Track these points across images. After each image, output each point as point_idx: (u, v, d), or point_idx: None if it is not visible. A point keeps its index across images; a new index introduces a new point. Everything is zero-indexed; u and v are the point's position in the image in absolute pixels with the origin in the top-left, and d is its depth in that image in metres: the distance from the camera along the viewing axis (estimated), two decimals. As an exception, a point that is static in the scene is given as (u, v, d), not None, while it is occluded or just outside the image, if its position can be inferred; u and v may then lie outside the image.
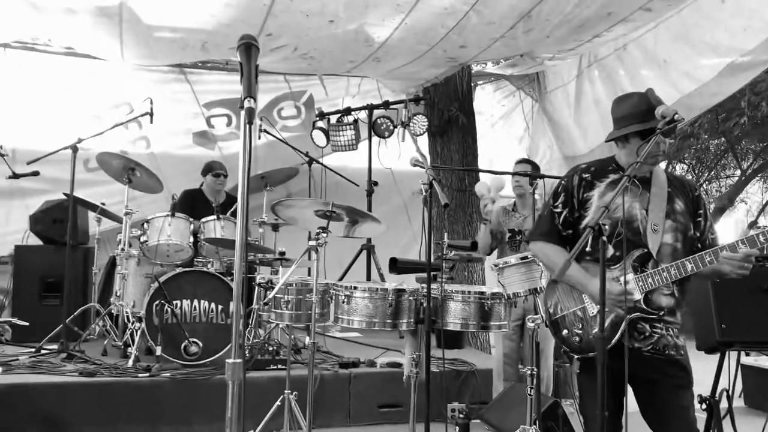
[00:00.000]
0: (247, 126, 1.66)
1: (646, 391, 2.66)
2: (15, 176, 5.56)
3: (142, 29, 5.53)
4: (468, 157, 6.72)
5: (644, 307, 2.54)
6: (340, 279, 5.53)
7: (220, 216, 5.20)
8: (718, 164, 13.82)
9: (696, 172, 14.06)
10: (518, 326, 4.47)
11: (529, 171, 4.36)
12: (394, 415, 4.75)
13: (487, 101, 8.35)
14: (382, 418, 4.75)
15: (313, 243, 2.99)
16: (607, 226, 2.20)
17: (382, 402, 4.79)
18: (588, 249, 2.25)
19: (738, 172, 13.77)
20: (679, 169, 13.84)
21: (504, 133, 8.37)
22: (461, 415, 4.12)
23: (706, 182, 14.52)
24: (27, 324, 4.10)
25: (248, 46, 1.74)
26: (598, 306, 2.50)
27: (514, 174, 4.44)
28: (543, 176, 4.10)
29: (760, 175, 13.98)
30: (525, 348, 4.52)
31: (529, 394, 3.35)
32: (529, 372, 3.36)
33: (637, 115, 2.59)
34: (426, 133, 6.61)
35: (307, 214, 3.18)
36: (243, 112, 1.66)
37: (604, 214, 2.19)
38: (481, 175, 6.97)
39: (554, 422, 3.80)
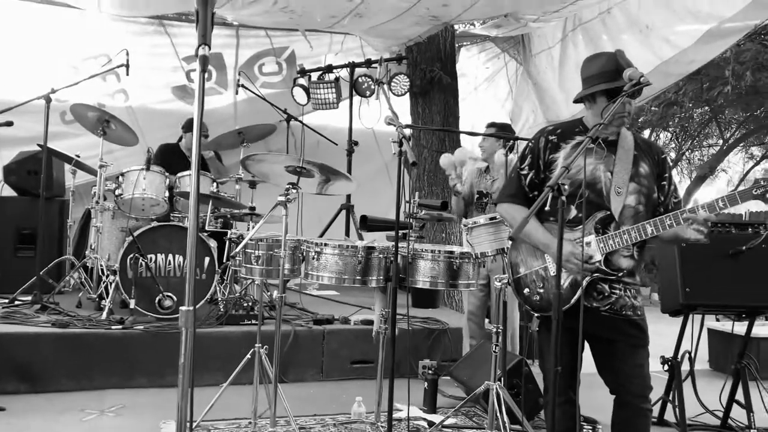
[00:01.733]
0: (201, 74, 1.64)
1: (603, 349, 2.73)
2: (-13, 126, 5.49)
3: (119, -22, 5.42)
4: (449, 119, 6.70)
5: (604, 268, 2.58)
6: (320, 237, 5.55)
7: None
8: (702, 133, 13.87)
9: (679, 140, 14.11)
10: (484, 285, 4.52)
11: (496, 133, 4.38)
12: (365, 371, 4.84)
13: (471, 63, 8.29)
14: (354, 374, 4.83)
15: (281, 198, 2.99)
16: (566, 186, 2.22)
17: (355, 358, 4.87)
18: (548, 209, 2.27)
19: (720, 142, 13.85)
20: (663, 137, 13.89)
21: (488, 96, 8.34)
22: (430, 371, 4.21)
23: (689, 150, 14.59)
24: (-2, 273, 4.10)
25: (206, -6, 1.71)
26: (564, 267, 2.55)
27: (482, 135, 4.45)
28: (514, 138, 4.10)
29: (741, 144, 14.07)
30: (492, 307, 4.59)
31: (494, 352, 3.41)
32: (494, 330, 3.42)
33: (605, 74, 2.60)
34: (408, 93, 6.56)
35: (278, 169, 3.17)
36: (197, 61, 1.63)
37: (563, 174, 2.20)
38: (462, 140, 6.99)
39: (519, 379, 3.88)
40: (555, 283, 2.16)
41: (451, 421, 3.95)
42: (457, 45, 7.80)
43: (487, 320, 4.89)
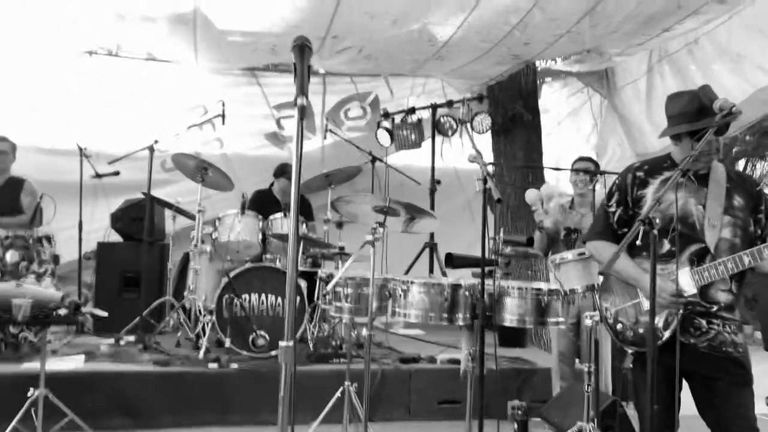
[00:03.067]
0: (300, 122, 1.76)
1: (702, 388, 2.62)
2: (98, 176, 5.95)
3: (215, 34, 5.79)
4: (533, 155, 6.68)
5: (699, 300, 2.50)
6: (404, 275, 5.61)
7: (287, 213, 5.39)
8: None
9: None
10: (574, 324, 4.42)
11: (592, 168, 4.32)
12: (453, 411, 4.79)
13: (554, 98, 8.24)
14: (441, 414, 4.80)
15: (369, 237, 3.08)
16: (657, 220, 2.19)
17: (442, 398, 4.85)
18: (640, 243, 2.25)
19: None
20: (759, 167, 13.20)
21: (571, 131, 8.25)
22: (520, 412, 4.13)
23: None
24: (107, 314, 4.36)
25: (302, 47, 1.84)
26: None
27: (573, 170, 4.41)
28: (603, 172, 4.05)
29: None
30: (582, 345, 4.48)
31: (586, 392, 3.33)
32: (586, 369, 3.34)
33: (686, 115, 2.58)
34: (489, 132, 6.61)
35: (366, 209, 3.28)
36: (296, 110, 1.75)
37: (654, 207, 2.18)
38: (546, 175, 6.94)
39: (613, 421, 3.75)
40: (649, 318, 2.11)
41: (543, 463, 3.86)
42: (539, 81, 7.81)
43: (577, 360, 4.76)
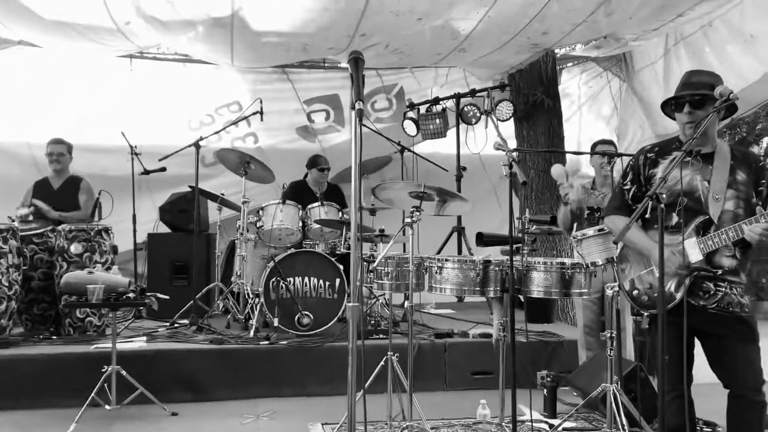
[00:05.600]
0: (358, 122, 2.11)
1: (713, 345, 2.95)
2: (146, 172, 6.37)
3: (251, 36, 6.16)
4: (554, 140, 6.95)
5: (705, 266, 2.82)
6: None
7: (324, 203, 5.78)
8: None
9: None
10: (598, 298, 4.70)
11: (612, 151, 4.61)
12: (486, 382, 5.13)
13: (573, 83, 8.49)
14: (476, 384, 5.14)
15: (408, 220, 3.44)
16: (664, 196, 2.51)
17: (476, 369, 5.20)
18: (649, 217, 2.57)
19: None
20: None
21: (592, 115, 8.49)
22: (548, 379, 4.47)
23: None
24: (168, 297, 4.79)
25: (356, 60, 2.19)
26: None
27: (592, 153, 4.70)
28: (621, 155, 4.34)
29: None
30: (606, 319, 4.78)
31: (609, 356, 3.66)
32: (609, 335, 3.67)
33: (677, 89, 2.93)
34: (512, 119, 6.89)
35: (402, 195, 3.62)
36: (354, 113, 2.10)
37: (660, 184, 2.49)
38: (568, 159, 7.21)
39: (636, 385, 4.06)
40: (659, 284, 2.44)
41: (570, 424, 4.20)
42: (558, 67, 8.06)
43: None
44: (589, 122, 8.40)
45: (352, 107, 2.08)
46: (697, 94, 2.84)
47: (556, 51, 7.72)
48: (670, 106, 3.00)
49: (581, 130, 8.26)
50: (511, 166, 3.24)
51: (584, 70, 8.46)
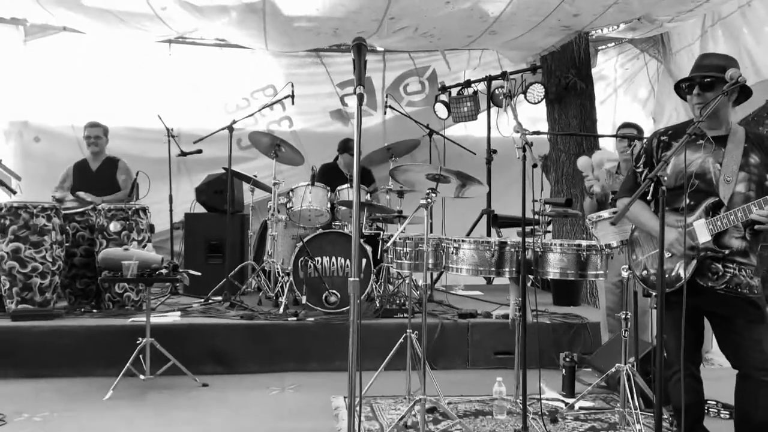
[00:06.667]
0: (358, 108, 2.21)
1: (721, 326, 2.97)
2: (183, 154, 6.61)
3: (282, 20, 6.30)
4: (586, 123, 6.89)
5: (713, 246, 2.84)
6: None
7: (352, 184, 5.90)
8: None
9: None
10: (620, 281, 4.71)
11: (634, 134, 4.59)
12: (508, 362, 5.18)
13: (610, 65, 8.38)
14: (498, 363, 5.22)
15: (423, 201, 3.52)
16: (666, 177, 2.54)
17: (498, 349, 5.27)
18: (650, 198, 2.61)
19: None
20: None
21: (628, 97, 8.38)
22: (567, 360, 4.52)
23: None
24: (200, 274, 5.00)
25: (359, 46, 2.28)
26: (669, 251, 2.87)
27: (617, 137, 4.68)
28: (641, 138, 4.32)
29: None
30: (624, 300, 4.79)
31: (623, 337, 3.69)
32: (623, 316, 3.70)
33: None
34: (544, 101, 6.87)
35: (421, 177, 3.70)
36: (355, 97, 2.20)
37: (662, 167, 2.52)
38: (600, 142, 7.15)
39: (653, 366, 4.08)
40: (658, 265, 2.48)
41: (588, 404, 4.25)
42: (594, 49, 7.96)
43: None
44: (625, 105, 8.29)
45: (354, 92, 2.18)
46: (708, 76, 2.85)
47: (591, 33, 7.65)
48: (683, 89, 3.01)
49: (616, 113, 8.17)
50: (524, 149, 3.29)
51: (621, 51, 8.34)
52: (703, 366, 5.12)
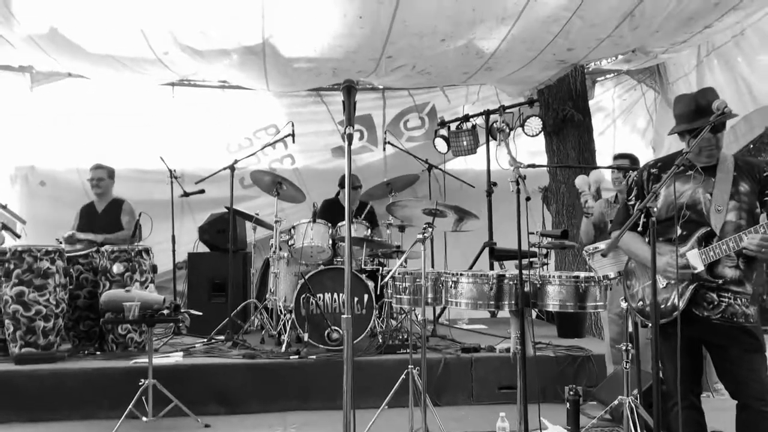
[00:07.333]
0: (348, 147, 2.26)
1: (718, 355, 2.96)
2: (186, 194, 6.68)
3: (282, 62, 6.41)
4: (584, 154, 6.94)
5: (707, 276, 2.84)
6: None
7: (353, 220, 5.93)
8: None
9: None
10: (622, 312, 4.70)
11: (627, 165, 4.63)
12: (512, 396, 5.10)
13: (607, 96, 8.48)
14: (502, 398, 5.16)
15: (420, 236, 3.55)
16: (655, 209, 2.56)
17: (502, 384, 5.22)
18: (640, 230, 2.62)
19: None
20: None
21: (626, 128, 8.45)
22: (572, 393, 4.47)
23: None
24: (201, 314, 5.02)
25: (348, 88, 2.34)
26: (666, 280, 2.88)
27: (611, 168, 4.72)
28: (634, 169, 4.35)
29: None
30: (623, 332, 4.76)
31: (625, 368, 3.67)
32: (624, 348, 3.68)
33: (685, 115, 2.95)
34: (542, 134, 6.93)
35: (417, 212, 3.74)
36: (345, 137, 2.25)
37: (651, 198, 2.55)
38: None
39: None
40: (651, 293, 2.49)
41: (593, 437, 4.20)
42: (591, 81, 8.06)
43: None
44: (624, 135, 8.35)
45: (343, 134, 2.23)
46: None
47: (588, 65, 7.75)
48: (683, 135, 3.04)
49: (615, 143, 8.22)
50: (517, 183, 3.33)
51: (618, 83, 8.44)
52: (711, 396, 5.10)
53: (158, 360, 4.95)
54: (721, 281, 2.86)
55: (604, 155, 7.66)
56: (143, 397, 4.45)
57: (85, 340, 5.67)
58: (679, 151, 3.10)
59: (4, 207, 5.52)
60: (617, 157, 4.88)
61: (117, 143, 7.56)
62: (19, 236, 5.63)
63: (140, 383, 4.45)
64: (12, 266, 5.04)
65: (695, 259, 2.86)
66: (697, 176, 2.96)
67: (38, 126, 7.55)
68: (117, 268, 5.48)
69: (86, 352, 5.46)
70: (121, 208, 6.39)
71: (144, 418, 4.42)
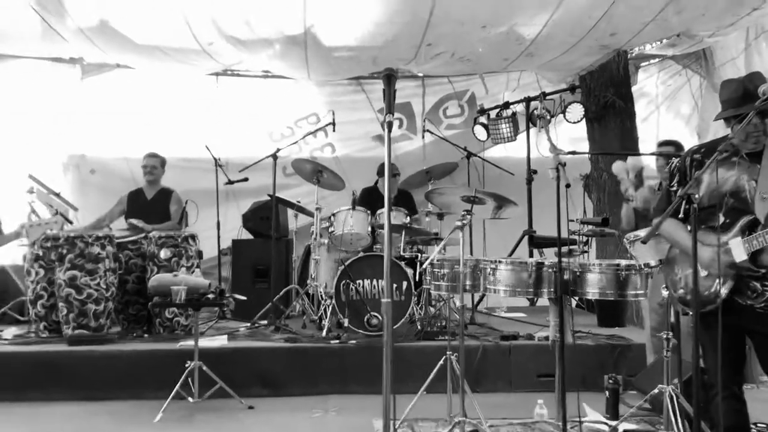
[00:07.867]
0: (388, 135, 2.30)
1: (762, 344, 2.92)
2: (230, 182, 6.84)
3: (324, 51, 6.49)
4: (626, 141, 6.84)
5: (750, 265, 2.81)
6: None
7: (393, 208, 5.99)
8: None
9: None
10: (663, 301, 4.65)
11: (672, 152, 4.56)
12: (551, 384, 5.11)
13: (651, 82, 8.29)
14: (541, 386, 5.14)
15: (458, 223, 3.58)
16: (697, 195, 2.54)
17: (541, 371, 5.21)
18: (681, 216, 2.60)
19: None
20: None
21: (670, 114, 8.26)
22: (611, 381, 4.46)
23: None
24: (245, 298, 5.16)
25: (388, 77, 2.38)
26: (706, 269, 2.86)
27: (655, 155, 4.66)
28: (678, 155, 4.27)
29: None
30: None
31: (666, 357, 3.64)
32: (664, 336, 3.66)
33: (732, 101, 2.89)
34: (583, 120, 6.85)
35: (456, 200, 3.77)
36: (385, 125, 2.30)
37: (692, 185, 2.53)
38: (642, 160, 7.08)
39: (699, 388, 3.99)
40: (692, 284, 2.47)
41: (632, 427, 4.18)
42: (634, 66, 7.90)
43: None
44: (668, 121, 8.17)
45: (384, 121, 2.27)
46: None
47: (631, 50, 7.61)
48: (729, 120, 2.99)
49: (659, 130, 8.05)
50: (557, 170, 3.33)
51: (662, 68, 8.24)
52: (756, 387, 5.01)
53: (204, 343, 5.09)
54: (765, 271, 2.82)
55: (647, 142, 7.54)
56: (189, 379, 4.60)
57: (134, 323, 5.88)
58: (724, 137, 3.07)
59: (58, 195, 5.73)
60: (661, 143, 4.80)
61: (163, 132, 7.74)
62: (71, 222, 5.85)
63: (186, 365, 4.60)
64: (65, 251, 5.25)
65: (738, 247, 2.82)
66: (742, 162, 2.91)
67: (88, 116, 7.78)
68: (164, 253, 5.65)
69: (135, 334, 5.65)
70: (170, 197, 6.57)
71: (190, 399, 4.57)
